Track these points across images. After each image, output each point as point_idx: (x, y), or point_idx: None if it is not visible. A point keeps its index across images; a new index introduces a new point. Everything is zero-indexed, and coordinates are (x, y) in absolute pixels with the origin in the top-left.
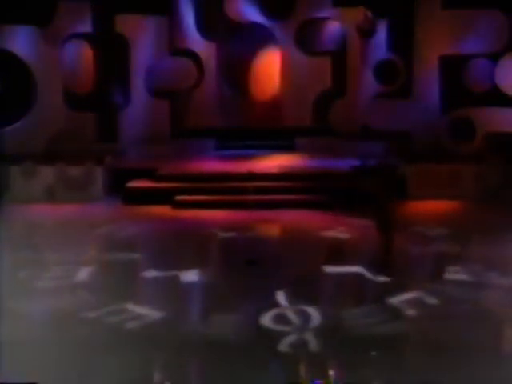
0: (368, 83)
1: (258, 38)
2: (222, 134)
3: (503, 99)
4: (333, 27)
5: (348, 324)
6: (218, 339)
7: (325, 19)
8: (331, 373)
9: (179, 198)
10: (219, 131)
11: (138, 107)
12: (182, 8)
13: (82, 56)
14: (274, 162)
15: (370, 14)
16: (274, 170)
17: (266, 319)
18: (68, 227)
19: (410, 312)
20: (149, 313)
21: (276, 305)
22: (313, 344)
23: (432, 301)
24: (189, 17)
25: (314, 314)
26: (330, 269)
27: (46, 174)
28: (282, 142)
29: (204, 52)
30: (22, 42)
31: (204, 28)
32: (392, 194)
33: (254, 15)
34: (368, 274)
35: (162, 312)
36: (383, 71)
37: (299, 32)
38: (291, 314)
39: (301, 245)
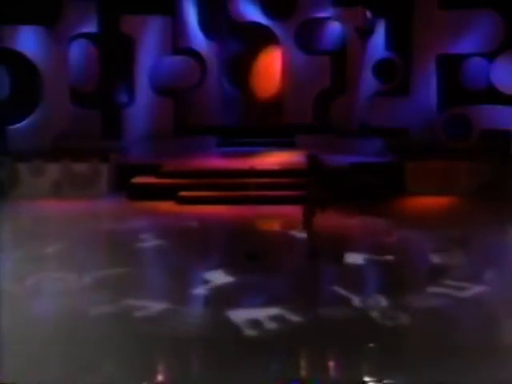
0: (367, 82)
1: (259, 38)
2: (224, 131)
3: (499, 98)
4: (333, 27)
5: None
6: None
7: (325, 19)
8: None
9: (183, 193)
10: (221, 129)
11: (142, 105)
12: (185, 8)
13: (87, 55)
14: (275, 159)
15: (369, 13)
16: (276, 167)
17: None
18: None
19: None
20: None
21: None
22: None
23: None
24: (192, 17)
25: None
26: None
27: (53, 170)
28: (282, 139)
29: (206, 51)
30: (29, 41)
31: (207, 28)
32: (320, 186)
33: (255, 15)
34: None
35: None
36: (382, 70)
37: (300, 31)
38: None
39: None
